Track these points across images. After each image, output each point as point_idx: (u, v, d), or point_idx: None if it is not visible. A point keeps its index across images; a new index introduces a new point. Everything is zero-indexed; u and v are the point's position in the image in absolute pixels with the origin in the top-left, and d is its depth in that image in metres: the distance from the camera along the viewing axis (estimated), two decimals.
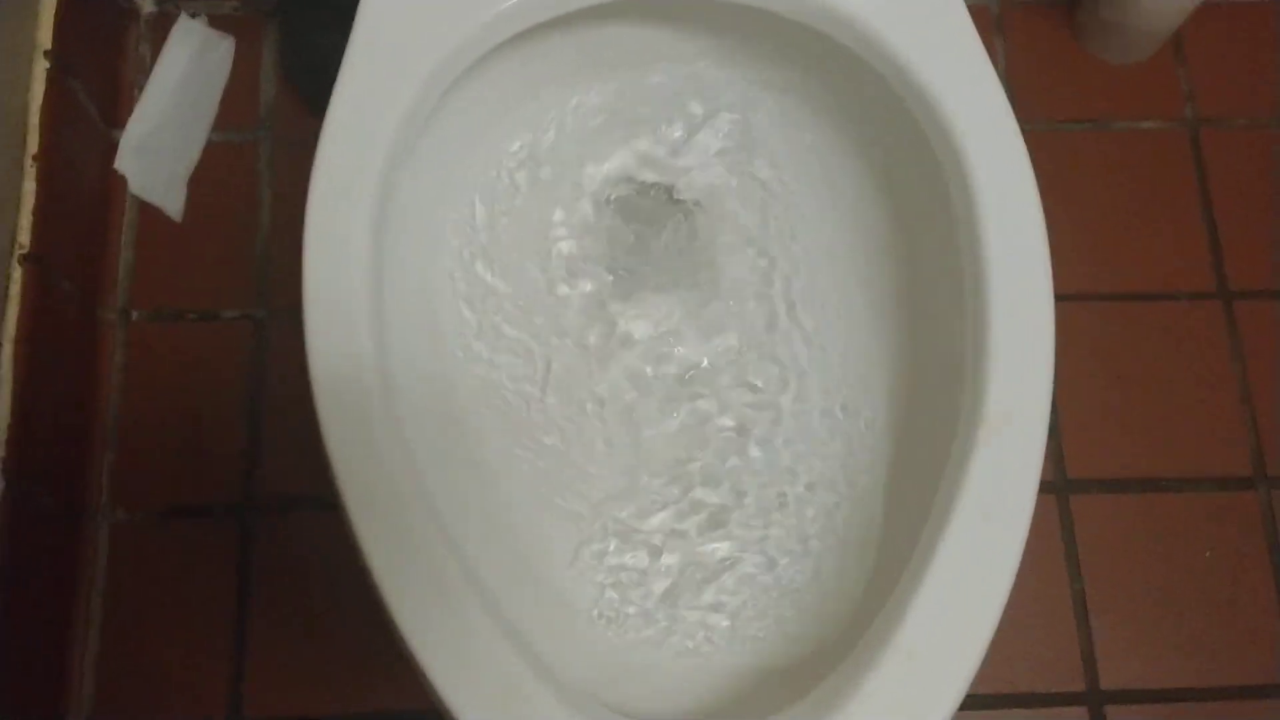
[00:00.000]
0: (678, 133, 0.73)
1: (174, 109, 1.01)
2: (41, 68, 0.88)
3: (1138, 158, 1.05)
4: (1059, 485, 0.96)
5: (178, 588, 0.90)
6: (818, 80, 0.69)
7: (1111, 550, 0.94)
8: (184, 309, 0.97)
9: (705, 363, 0.69)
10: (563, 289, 0.71)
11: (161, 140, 1.00)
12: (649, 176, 0.73)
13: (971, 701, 0.88)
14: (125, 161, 0.99)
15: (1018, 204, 0.58)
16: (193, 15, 1.03)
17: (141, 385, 0.95)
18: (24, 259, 0.84)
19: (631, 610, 0.64)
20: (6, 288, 0.83)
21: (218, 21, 1.04)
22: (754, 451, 0.67)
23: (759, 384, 0.69)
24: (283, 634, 0.89)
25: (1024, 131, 1.00)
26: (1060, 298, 0.98)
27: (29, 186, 0.86)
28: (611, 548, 0.65)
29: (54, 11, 0.90)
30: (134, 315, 0.97)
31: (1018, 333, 0.56)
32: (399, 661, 0.79)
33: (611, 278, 0.71)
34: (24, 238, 0.85)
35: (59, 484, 0.88)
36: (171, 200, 0.99)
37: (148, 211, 0.99)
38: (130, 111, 1.00)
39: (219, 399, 0.95)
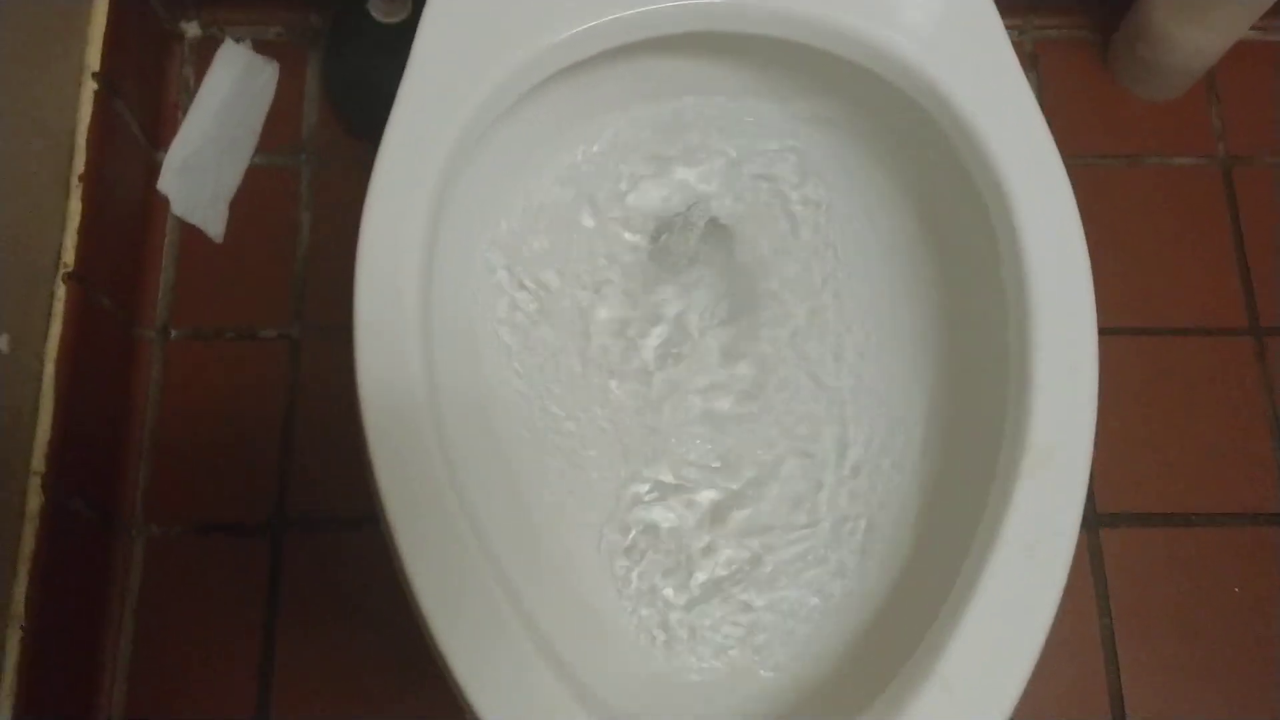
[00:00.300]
0: (721, 162, 0.74)
1: (217, 131, 1.02)
2: (90, 90, 0.90)
3: (1171, 194, 1.06)
4: (1089, 519, 0.96)
5: (209, 602, 0.91)
6: (863, 115, 0.70)
7: (1140, 585, 0.94)
8: (222, 328, 0.98)
9: (744, 388, 0.70)
10: (602, 313, 0.72)
11: (204, 162, 1.01)
12: (692, 204, 0.73)
13: None
14: (168, 182, 1.00)
15: (1063, 238, 0.59)
16: (238, 40, 1.05)
17: (178, 402, 0.96)
18: (68, 277, 0.86)
19: (668, 633, 0.64)
20: (50, 305, 0.84)
21: (262, 47, 1.06)
22: (791, 471, 0.67)
23: (799, 410, 0.69)
24: (311, 649, 0.89)
25: None
26: None
27: (74, 206, 0.87)
28: (649, 570, 0.66)
29: (103, 34, 0.91)
30: (173, 333, 0.98)
31: (1061, 367, 0.57)
32: (425, 677, 0.80)
33: (654, 302, 0.72)
34: (68, 256, 0.86)
35: (96, 498, 0.89)
36: (213, 221, 1.01)
37: (189, 232, 1.00)
38: (174, 133, 1.02)
39: (254, 417, 0.96)
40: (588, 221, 0.73)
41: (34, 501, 0.80)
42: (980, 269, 0.62)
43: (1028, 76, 1.08)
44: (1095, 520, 0.96)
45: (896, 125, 0.67)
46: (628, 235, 0.72)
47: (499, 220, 0.71)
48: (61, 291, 0.85)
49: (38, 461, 0.81)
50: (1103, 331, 0.99)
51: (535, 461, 0.68)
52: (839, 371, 0.69)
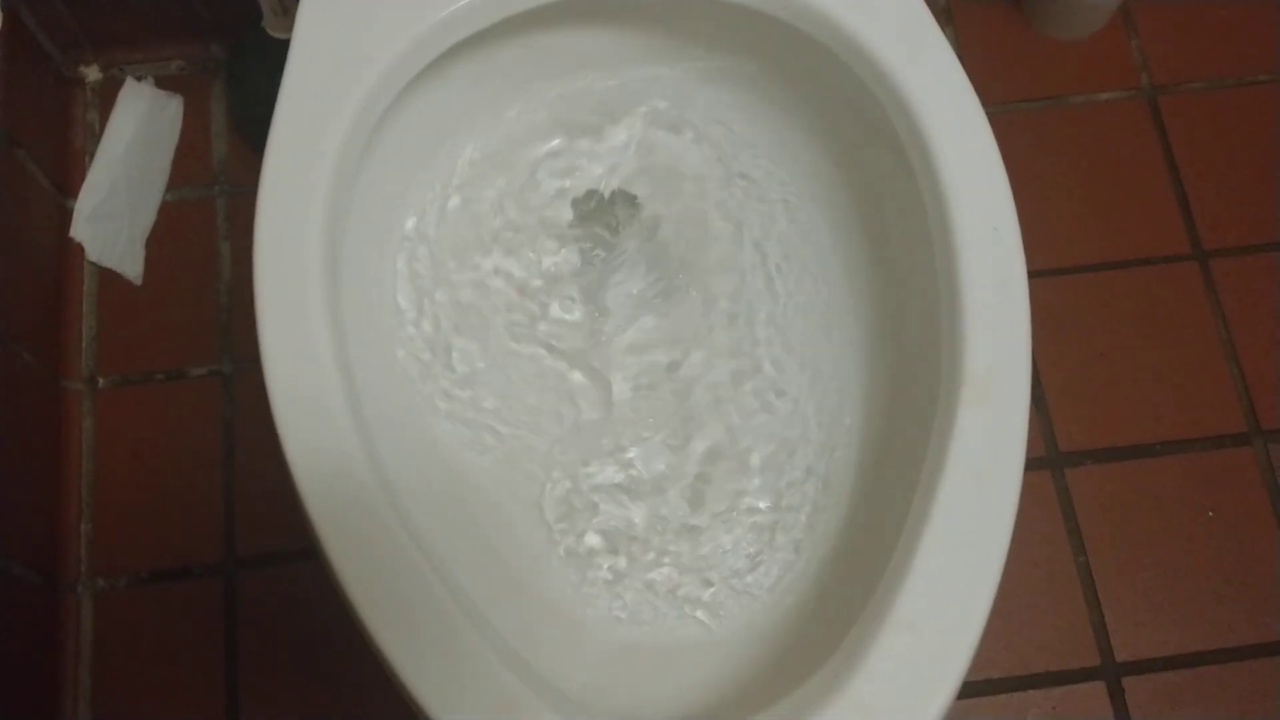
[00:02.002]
0: (630, 132, 0.72)
1: (126, 172, 1.00)
2: None
3: (1099, 130, 1.05)
4: (1053, 460, 0.94)
5: (165, 649, 0.88)
6: (775, 70, 0.69)
7: (1113, 521, 0.93)
8: (151, 370, 0.95)
9: (679, 354, 0.68)
10: (529, 304, 0.70)
11: (116, 204, 0.99)
12: (607, 180, 0.72)
13: (987, 686, 0.87)
14: (80, 229, 0.98)
15: (983, 172, 0.57)
16: (139, 78, 1.03)
17: (113, 451, 0.93)
18: None
19: (622, 604, 0.62)
20: None
21: (165, 82, 1.04)
22: (737, 431, 0.66)
23: (739, 363, 0.67)
24: (274, 685, 0.86)
25: None
26: (1035, 274, 0.97)
27: None
28: (596, 540, 0.64)
29: None
30: (100, 382, 0.95)
31: (991, 295, 0.55)
32: (392, 702, 0.77)
33: (577, 286, 0.70)
34: None
35: (35, 559, 0.86)
36: (130, 263, 0.98)
37: (107, 276, 0.98)
38: (82, 178, 0.99)
39: (192, 457, 0.93)
40: (501, 207, 0.70)
41: None
42: (903, 209, 0.60)
43: (943, 31, 1.08)
44: (1059, 460, 0.94)
45: (809, 75, 0.65)
46: (546, 214, 0.70)
47: (407, 217, 0.69)
48: None
49: None
50: (1048, 273, 0.99)
51: (472, 456, 0.66)
52: (772, 327, 0.67)
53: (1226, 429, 0.95)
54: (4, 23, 0.91)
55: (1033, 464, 0.94)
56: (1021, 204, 0.98)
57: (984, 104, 1.01)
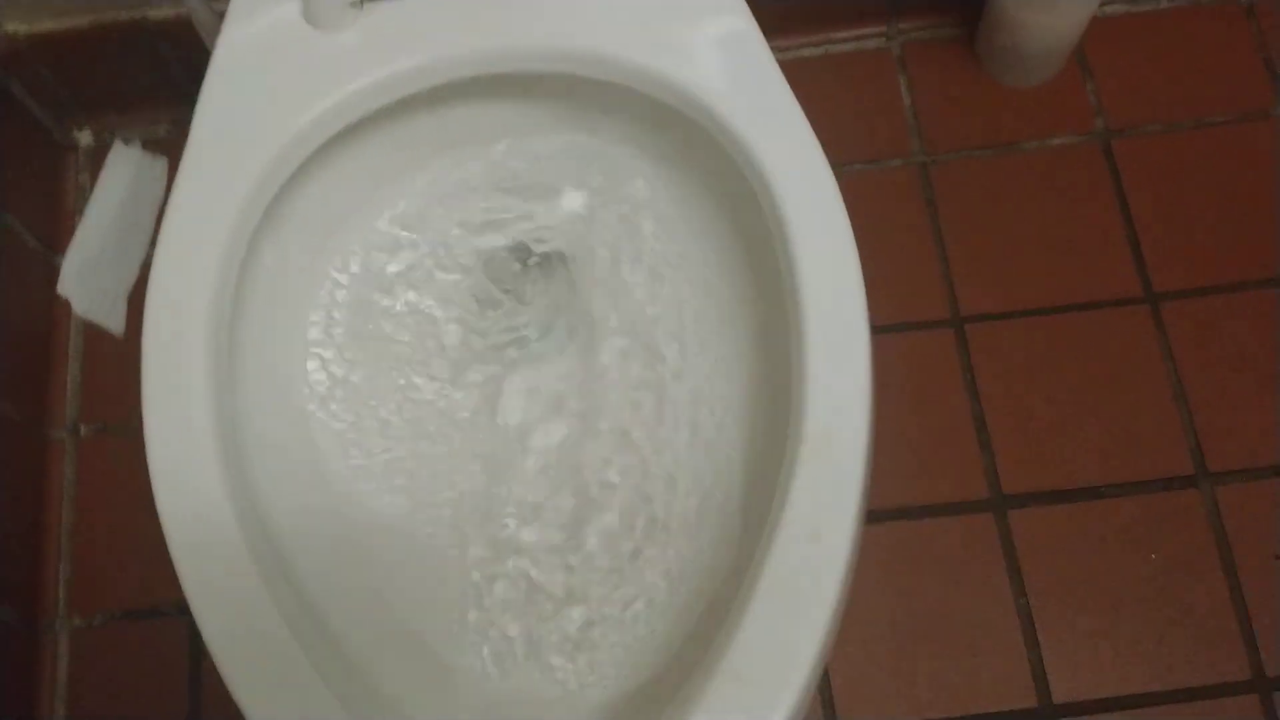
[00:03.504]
0: (542, 196, 0.76)
1: (113, 230, 1.06)
2: None
3: (1052, 174, 1.06)
4: (996, 502, 0.95)
5: (136, 683, 0.93)
6: (668, 142, 0.72)
7: (1055, 563, 0.94)
8: (129, 419, 1.00)
9: (580, 412, 0.72)
10: (438, 364, 0.73)
11: (102, 262, 1.05)
12: (519, 240, 0.75)
13: None
14: (68, 285, 1.04)
15: (832, 241, 0.59)
16: (127, 141, 1.09)
17: (92, 495, 0.98)
18: None
19: (503, 662, 0.65)
20: None
21: (153, 145, 1.10)
22: (621, 495, 0.69)
23: (631, 416, 0.71)
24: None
25: (935, 164, 1.04)
26: (988, 317, 1.00)
27: None
28: (479, 602, 0.67)
29: None
30: (83, 431, 1.01)
31: (833, 357, 0.58)
32: None
33: (486, 339, 0.74)
34: None
35: (15, 600, 0.91)
36: (114, 318, 1.04)
37: (92, 330, 1.04)
38: (71, 237, 1.05)
39: None
40: (413, 265, 0.75)
41: None
42: (774, 273, 0.63)
43: (898, 80, 1.10)
44: (1003, 502, 0.95)
45: (695, 149, 0.69)
46: (455, 276, 0.74)
47: (321, 281, 0.73)
48: None
49: None
50: (998, 316, 1.01)
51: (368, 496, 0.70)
52: (669, 380, 0.71)
53: (1173, 471, 0.96)
54: None
55: (975, 506, 0.96)
56: (973, 248, 1.02)
57: (934, 153, 1.04)
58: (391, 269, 0.74)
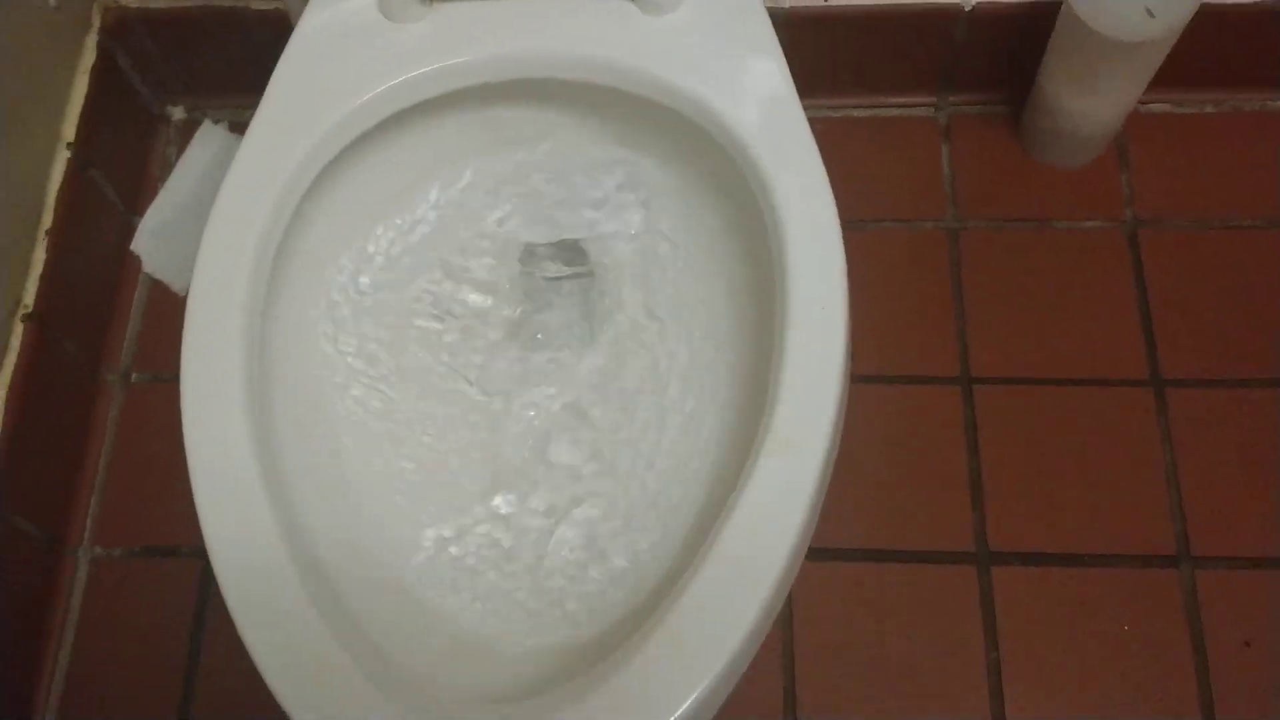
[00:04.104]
0: (573, 199, 0.82)
1: (190, 201, 1.14)
2: (63, 157, 1.02)
3: (1077, 254, 1.10)
4: (981, 556, 0.99)
5: (143, 619, 0.99)
6: (686, 152, 0.78)
7: (1030, 621, 0.96)
8: (179, 373, 1.07)
9: (591, 392, 0.77)
10: (467, 340, 0.79)
11: (176, 227, 1.13)
12: (548, 236, 0.81)
13: None
14: (141, 243, 1.12)
15: (824, 270, 0.64)
16: (216, 121, 1.17)
17: (132, 438, 1.05)
18: (26, 318, 0.96)
19: (466, 595, 0.70)
20: (8, 340, 0.95)
21: (238, 127, 1.18)
22: (617, 466, 0.74)
23: (632, 413, 0.76)
24: (233, 661, 0.96)
25: (966, 229, 1.09)
26: (996, 381, 1.04)
27: (39, 256, 0.99)
28: (456, 542, 0.72)
29: (80, 111, 1.04)
30: (134, 378, 1.08)
31: (809, 366, 0.62)
32: None
33: (514, 314, 0.80)
34: (29, 299, 0.97)
35: (42, 519, 0.98)
36: (180, 279, 1.12)
37: (158, 288, 1.11)
38: (151, 202, 1.13)
39: None
40: (449, 256, 0.81)
41: None
42: (770, 286, 0.68)
43: (940, 148, 1.15)
44: (987, 558, 0.98)
45: (705, 160, 0.74)
46: (490, 261, 0.80)
47: (349, 250, 0.79)
48: (19, 329, 0.96)
49: None
50: (1009, 380, 1.05)
51: (371, 451, 0.76)
52: (659, 381, 0.76)
53: (1156, 550, 0.98)
54: (98, 60, 1.06)
55: (960, 557, 0.99)
56: (991, 314, 1.06)
57: (968, 219, 1.09)
58: (428, 252, 0.80)
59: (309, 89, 0.71)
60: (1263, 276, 1.08)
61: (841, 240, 0.66)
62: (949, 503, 1.01)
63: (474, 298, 0.80)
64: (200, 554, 1.00)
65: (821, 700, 0.94)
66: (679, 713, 0.55)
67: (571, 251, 0.82)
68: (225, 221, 0.67)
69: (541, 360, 0.79)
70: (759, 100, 0.69)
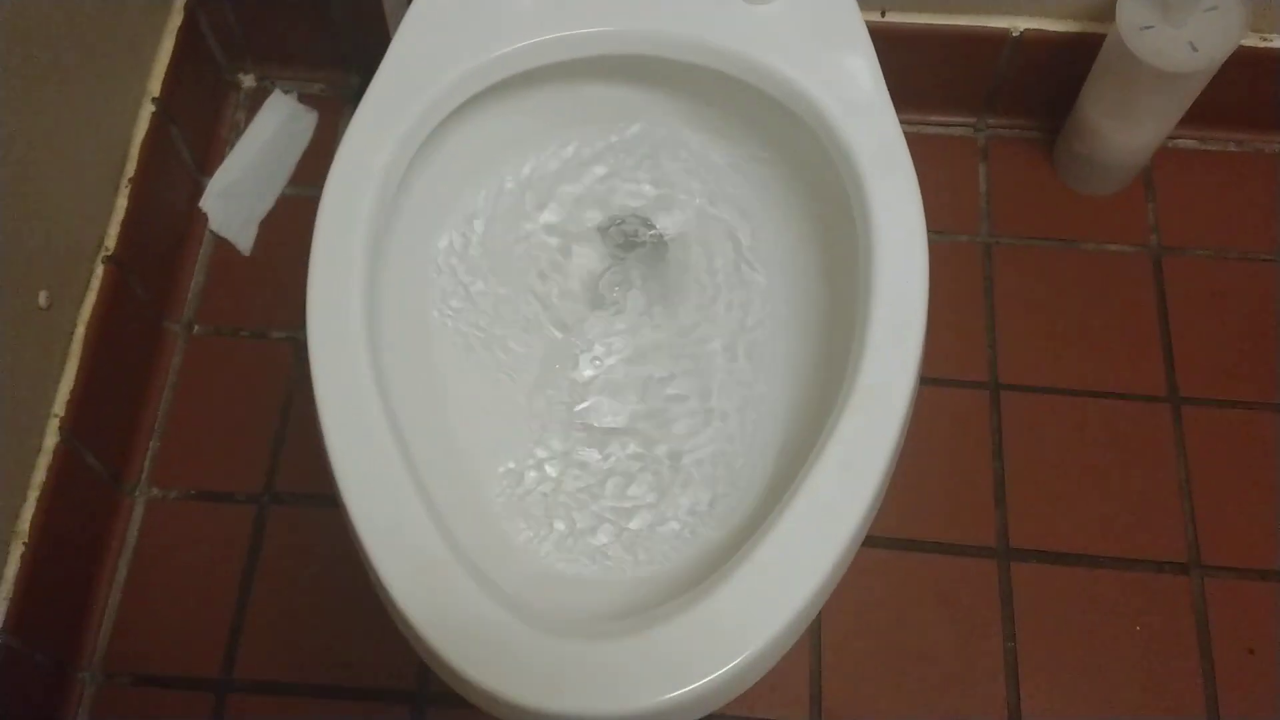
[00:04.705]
0: (661, 179, 0.86)
1: (257, 164, 1.18)
2: (148, 110, 1.06)
3: (1103, 275, 1.16)
4: (1001, 551, 1.03)
5: (194, 563, 1.02)
6: (782, 140, 0.83)
7: (1047, 616, 1.01)
8: (239, 327, 1.12)
9: (661, 349, 0.82)
10: (544, 292, 0.84)
11: (243, 188, 1.17)
12: (627, 212, 0.86)
13: None
14: (209, 202, 1.16)
15: (907, 244, 0.69)
16: (285, 91, 1.22)
17: (192, 387, 1.09)
18: (106, 259, 1.00)
19: (558, 529, 0.75)
20: (89, 280, 0.99)
21: (307, 98, 1.22)
22: (689, 417, 0.79)
23: (703, 372, 0.80)
24: (280, 613, 1.00)
25: (998, 244, 1.15)
26: (1022, 388, 1.09)
27: (121, 203, 1.02)
28: (543, 481, 0.77)
29: (165, 68, 1.08)
30: (196, 329, 1.12)
31: (892, 328, 0.67)
32: (380, 642, 0.90)
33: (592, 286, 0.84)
34: (110, 242, 1.01)
35: (106, 456, 1.01)
36: (244, 238, 1.16)
37: (222, 245, 1.15)
38: (220, 163, 1.17)
39: (257, 403, 1.08)
40: (544, 215, 0.86)
41: (50, 440, 0.93)
42: (850, 263, 0.73)
43: (977, 168, 1.21)
44: (1007, 553, 1.03)
45: (800, 156, 0.80)
46: (576, 227, 0.85)
47: (461, 205, 0.84)
48: (100, 270, 0.99)
49: (59, 406, 0.94)
50: (1034, 389, 1.10)
51: (464, 381, 0.80)
52: (740, 338, 0.81)
53: (1169, 556, 1.03)
54: (183, 22, 1.10)
55: (983, 552, 1.04)
56: (1020, 325, 1.11)
57: (1000, 235, 1.14)
58: (528, 206, 0.85)
59: (428, 49, 0.76)
60: (1276, 305, 1.13)
61: (925, 231, 0.71)
62: (974, 500, 1.06)
63: (565, 254, 0.85)
64: (254, 499, 1.04)
65: (846, 676, 0.98)
66: (767, 638, 0.59)
67: (650, 226, 0.87)
68: (350, 158, 0.71)
69: (616, 315, 0.84)
70: (854, 93, 0.74)
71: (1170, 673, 0.99)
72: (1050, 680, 0.99)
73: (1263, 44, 1.10)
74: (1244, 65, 1.09)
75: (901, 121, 1.21)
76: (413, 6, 0.77)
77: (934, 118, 1.23)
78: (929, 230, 1.15)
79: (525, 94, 0.81)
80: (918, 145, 1.21)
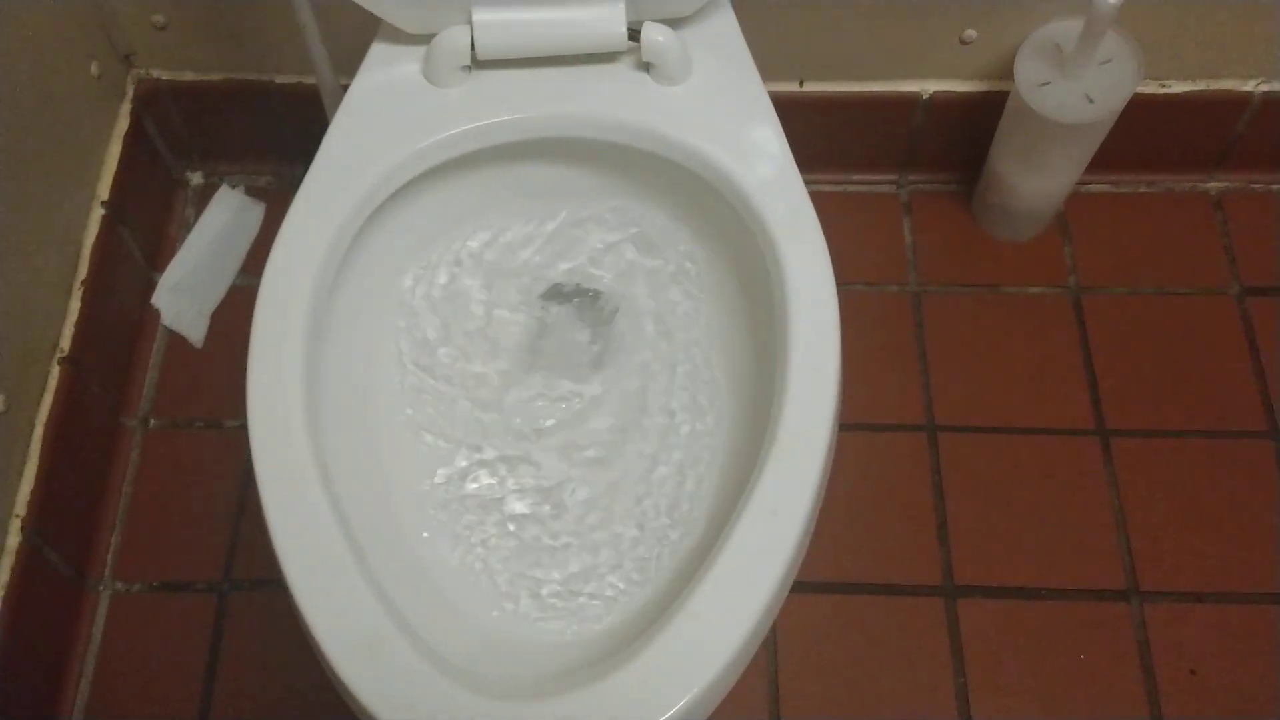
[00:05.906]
0: (591, 244, 0.91)
1: (207, 258, 1.21)
2: (98, 214, 1.10)
3: (1027, 317, 1.21)
4: (947, 590, 1.07)
5: (160, 652, 1.04)
6: (693, 205, 0.88)
7: (994, 650, 1.04)
8: (194, 418, 1.14)
9: (602, 399, 0.86)
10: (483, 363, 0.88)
11: (193, 282, 1.20)
12: (571, 279, 0.90)
13: None
14: (161, 298, 1.19)
15: (818, 299, 0.74)
16: (233, 185, 1.26)
17: (151, 480, 1.11)
18: (62, 360, 1.03)
19: (503, 593, 0.78)
20: (45, 381, 1.01)
21: (254, 191, 1.26)
22: (631, 469, 0.83)
23: (646, 422, 0.84)
24: (244, 696, 1.03)
25: (927, 293, 1.20)
26: (958, 429, 1.13)
27: (74, 304, 1.06)
28: (486, 546, 0.80)
29: (113, 173, 1.12)
30: (152, 423, 1.14)
31: (809, 378, 0.71)
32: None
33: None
34: (65, 343, 1.04)
35: (69, 554, 1.03)
36: (196, 331, 1.19)
37: (175, 339, 1.18)
38: (171, 259, 1.21)
39: (215, 492, 1.11)
40: (479, 293, 0.90)
41: (13, 539, 0.95)
42: (770, 319, 0.77)
43: (901, 221, 1.26)
44: (953, 591, 1.07)
45: (719, 218, 0.84)
46: (515, 296, 0.89)
47: (400, 283, 0.88)
48: (56, 371, 1.02)
49: (20, 506, 0.96)
50: (969, 429, 1.14)
51: (405, 454, 0.83)
52: (673, 396, 0.85)
53: (1107, 585, 1.07)
54: (129, 127, 1.14)
55: (929, 590, 1.07)
56: (952, 368, 1.16)
57: (925, 283, 1.19)
58: (469, 280, 0.89)
59: (360, 142, 0.80)
60: (1195, 338, 1.19)
61: (834, 287, 0.76)
62: (919, 540, 1.09)
63: (500, 324, 0.89)
64: (213, 588, 1.06)
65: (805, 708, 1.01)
66: (706, 682, 0.62)
67: (587, 291, 0.91)
68: (288, 248, 0.75)
69: (555, 380, 0.88)
70: (761, 160, 0.79)
71: (1116, 696, 1.03)
72: (1003, 711, 1.02)
73: (1162, 90, 1.16)
74: (1145, 110, 1.15)
75: (827, 181, 1.29)
76: (345, 100, 0.81)
77: (858, 176, 1.29)
78: (860, 283, 1.22)
79: (462, 175, 0.85)
80: (844, 203, 1.29)
